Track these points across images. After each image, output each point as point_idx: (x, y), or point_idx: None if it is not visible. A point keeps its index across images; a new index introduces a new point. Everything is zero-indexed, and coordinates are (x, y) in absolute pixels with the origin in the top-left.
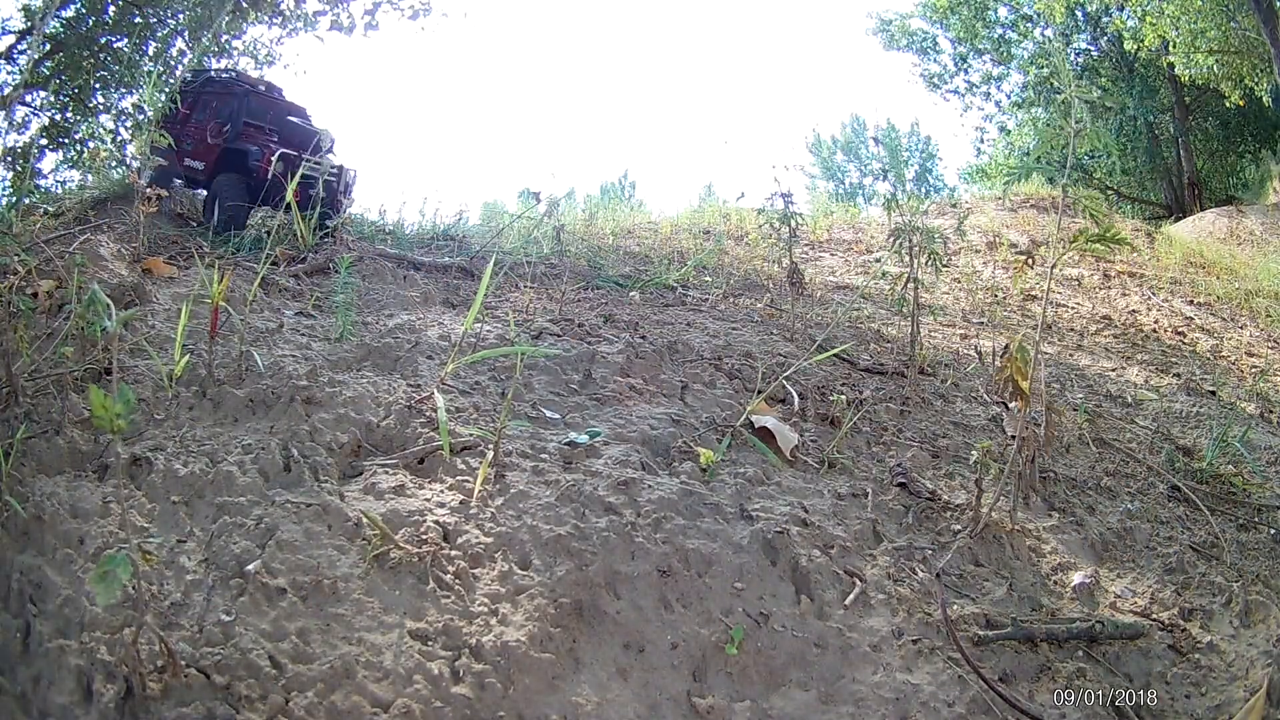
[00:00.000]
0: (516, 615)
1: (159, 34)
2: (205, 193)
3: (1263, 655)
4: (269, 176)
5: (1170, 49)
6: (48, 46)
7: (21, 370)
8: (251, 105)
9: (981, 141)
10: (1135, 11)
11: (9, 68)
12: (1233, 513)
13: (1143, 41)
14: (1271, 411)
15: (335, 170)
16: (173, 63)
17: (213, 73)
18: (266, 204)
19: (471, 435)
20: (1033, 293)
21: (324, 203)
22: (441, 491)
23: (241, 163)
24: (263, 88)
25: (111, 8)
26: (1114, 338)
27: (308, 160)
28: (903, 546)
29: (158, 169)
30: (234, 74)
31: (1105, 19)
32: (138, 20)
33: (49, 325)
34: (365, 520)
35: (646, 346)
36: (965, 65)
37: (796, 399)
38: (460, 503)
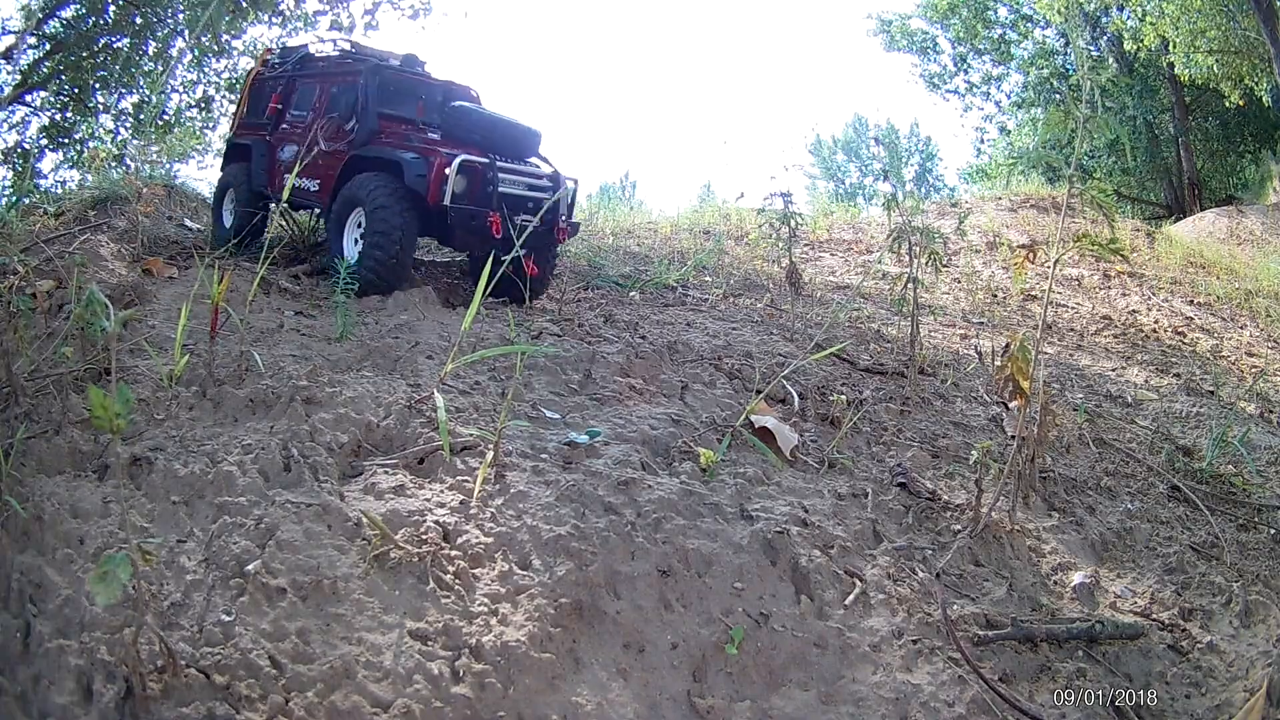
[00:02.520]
0: (516, 615)
1: (159, 34)
2: (323, 225)
3: (1263, 655)
4: (444, 198)
5: (1170, 49)
6: (47, 46)
7: (21, 370)
8: (390, 89)
9: (981, 141)
10: (1135, 12)
11: (9, 68)
12: (1233, 513)
13: (1143, 41)
14: (1271, 411)
15: (549, 183)
16: (172, 62)
17: (311, 48)
18: (443, 240)
19: (471, 435)
20: (1032, 293)
21: (541, 237)
22: (441, 491)
23: (389, 179)
24: (397, 62)
25: (111, 8)
26: (1114, 338)
27: (510, 170)
28: (903, 546)
29: (226, 204)
30: (352, 46)
31: (1105, 19)
32: (138, 20)
33: (49, 325)
34: (365, 520)
35: (646, 346)
36: (965, 65)
37: (796, 399)
38: (460, 503)
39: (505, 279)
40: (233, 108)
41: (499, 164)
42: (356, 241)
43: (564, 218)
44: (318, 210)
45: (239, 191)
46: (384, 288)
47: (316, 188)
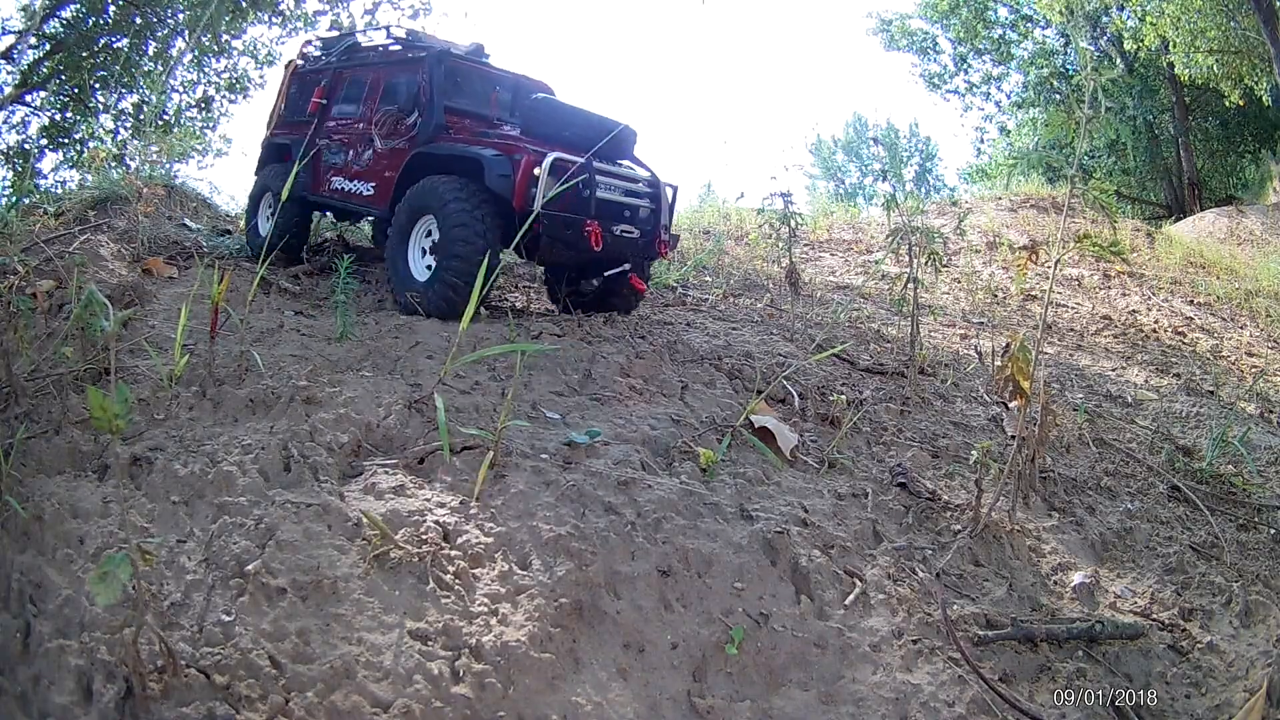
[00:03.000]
0: (516, 615)
1: (159, 34)
2: (373, 234)
3: (1263, 655)
4: (532, 202)
5: (1170, 49)
6: (47, 46)
7: (21, 370)
8: (456, 80)
9: (981, 141)
10: (1135, 11)
11: (9, 68)
12: (1233, 513)
13: (1143, 41)
14: (1271, 411)
15: (649, 188)
16: (172, 62)
17: (359, 37)
18: (527, 253)
19: (471, 435)
20: (1032, 293)
21: (641, 247)
22: (441, 491)
23: (466, 182)
24: (461, 51)
25: (111, 8)
26: (1114, 338)
27: (607, 172)
28: (903, 546)
29: (263, 210)
30: (407, 34)
31: (1105, 19)
32: (138, 20)
33: (49, 325)
34: (365, 520)
35: (646, 346)
36: (965, 65)
37: (796, 399)
38: (460, 503)
39: (600, 293)
40: (233, 107)
41: (595, 165)
42: (425, 254)
43: (664, 228)
44: (372, 218)
45: (278, 196)
46: (459, 312)
47: (371, 191)
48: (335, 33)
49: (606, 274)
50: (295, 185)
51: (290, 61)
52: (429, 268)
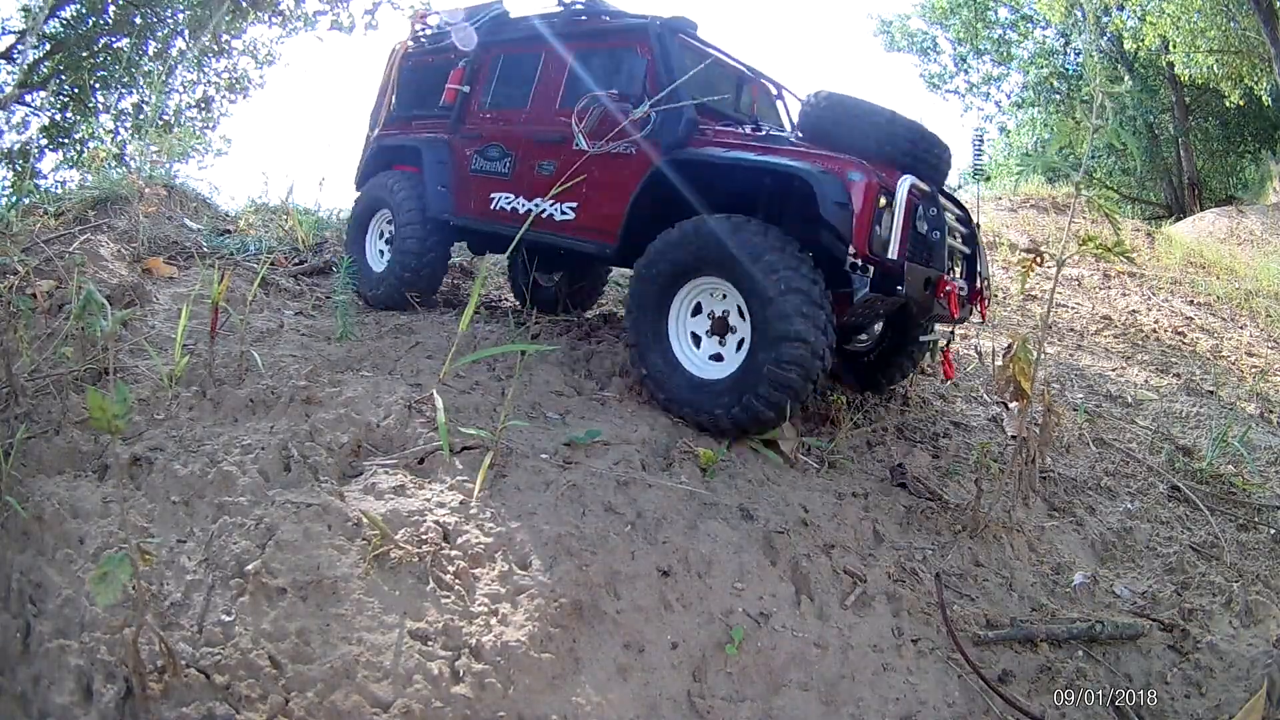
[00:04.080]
0: (516, 615)
1: (159, 34)
2: (559, 282)
3: (1263, 655)
4: (882, 245)
5: (1170, 49)
6: (47, 46)
7: (21, 370)
8: (686, 65)
9: (981, 141)
10: (1135, 11)
11: (9, 68)
12: (1233, 513)
13: (1143, 41)
14: (1271, 411)
15: (966, 226)
16: (172, 62)
17: (499, 8)
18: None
19: (471, 435)
20: (1032, 293)
21: (964, 305)
22: (441, 491)
23: (764, 219)
24: (694, 35)
25: (111, 8)
26: (1114, 338)
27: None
28: (903, 546)
29: (374, 237)
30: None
31: (1105, 18)
32: (138, 20)
33: (49, 325)
34: (365, 520)
35: None
36: (965, 66)
37: None
38: (460, 503)
39: (880, 359)
40: (233, 107)
41: (941, 194)
42: (708, 338)
43: (984, 279)
44: (580, 254)
45: (403, 218)
46: (786, 454)
47: (570, 215)
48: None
49: (918, 339)
50: (431, 203)
51: (400, 42)
52: (716, 357)
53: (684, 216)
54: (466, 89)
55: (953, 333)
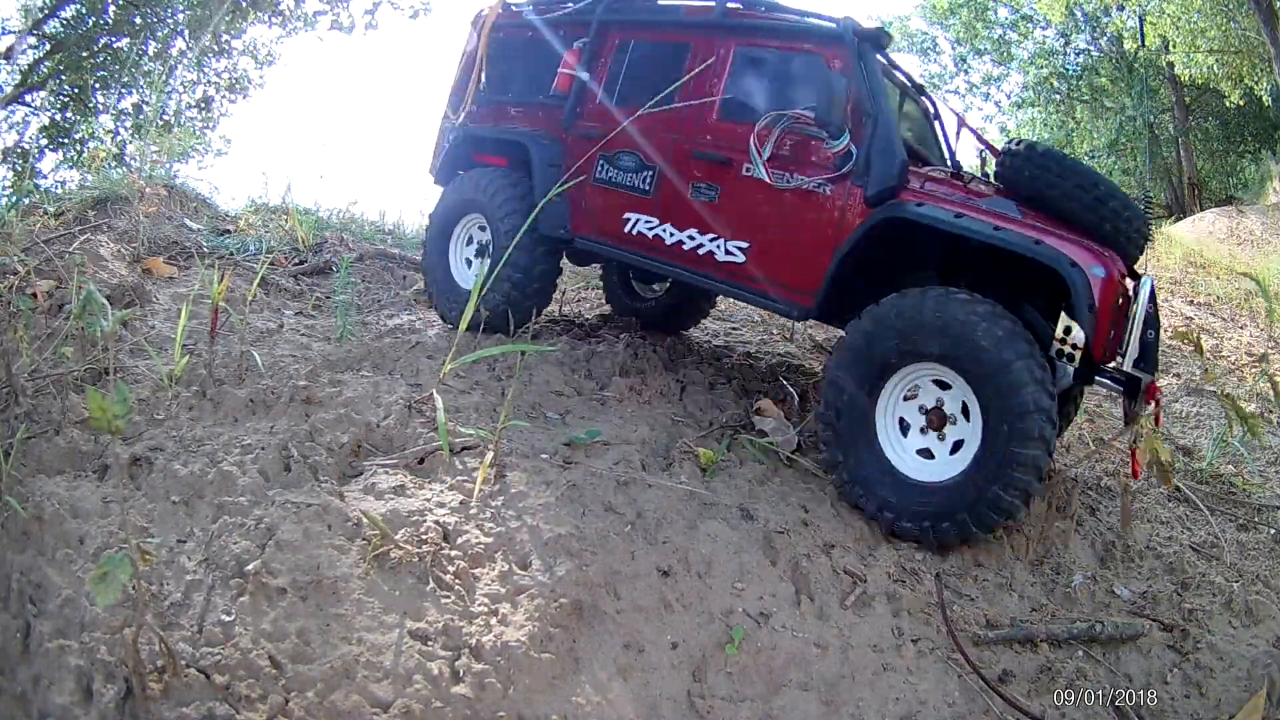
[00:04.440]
0: (516, 615)
1: (159, 34)
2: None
3: (1263, 655)
4: (1111, 355)
5: (1170, 49)
6: (47, 46)
7: (21, 370)
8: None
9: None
10: (1135, 11)
11: (9, 68)
12: (1233, 513)
13: (1143, 42)
14: (1271, 411)
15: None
16: (172, 62)
17: None
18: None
19: (471, 435)
20: None
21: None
22: (441, 491)
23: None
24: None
25: (111, 8)
26: None
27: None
28: (903, 547)
29: (458, 247)
30: None
31: (1105, 18)
32: (138, 20)
33: (49, 325)
34: (365, 520)
35: (646, 347)
36: (965, 66)
37: (796, 399)
38: (460, 503)
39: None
40: (233, 107)
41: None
42: (925, 433)
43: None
44: (763, 305)
45: (500, 228)
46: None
47: (739, 256)
48: None
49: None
50: (545, 216)
51: (490, 8)
52: (925, 452)
53: (880, 278)
54: (585, 75)
55: (1140, 430)
